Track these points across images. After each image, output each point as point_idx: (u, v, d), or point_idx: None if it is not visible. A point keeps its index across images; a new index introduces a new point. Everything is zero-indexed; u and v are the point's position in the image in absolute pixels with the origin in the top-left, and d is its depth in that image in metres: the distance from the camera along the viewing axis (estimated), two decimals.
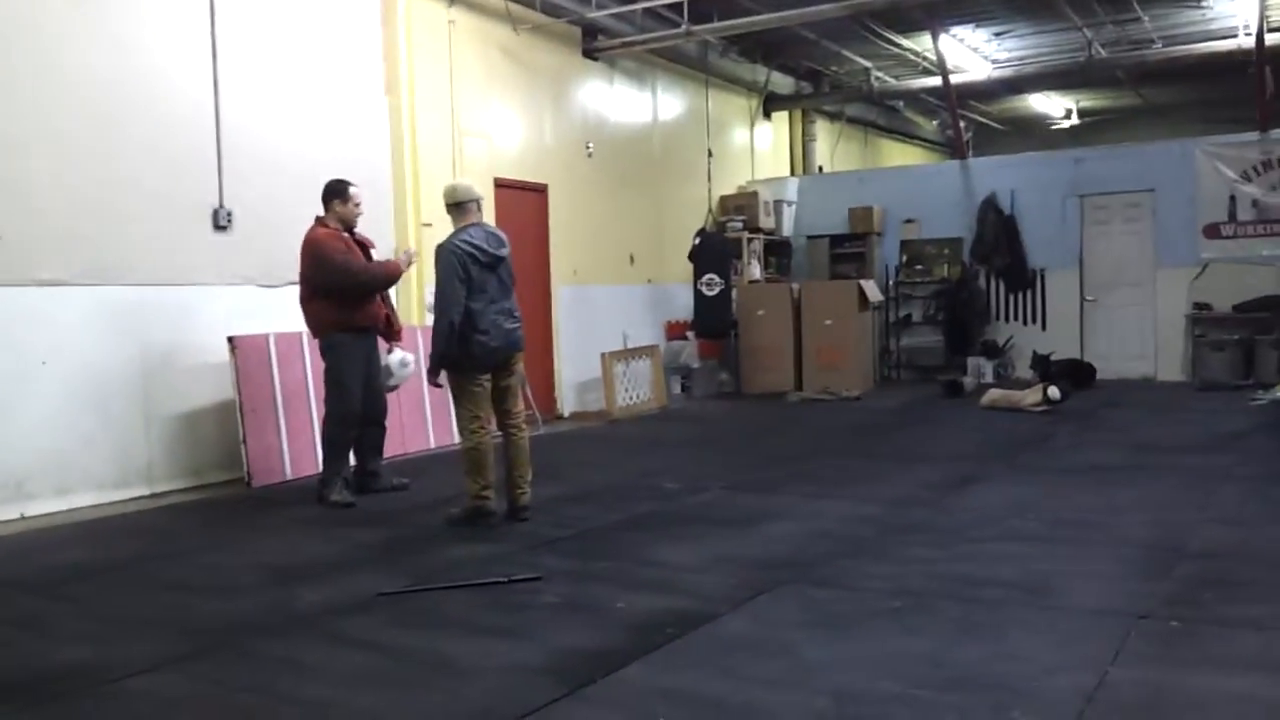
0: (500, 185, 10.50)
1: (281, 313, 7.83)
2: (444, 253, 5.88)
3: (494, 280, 5.96)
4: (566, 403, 11.32)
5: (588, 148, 11.79)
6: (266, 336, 7.68)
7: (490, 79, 10.46)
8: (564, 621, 4.16)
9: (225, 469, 7.61)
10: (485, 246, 5.94)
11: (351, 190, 6.89)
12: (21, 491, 6.56)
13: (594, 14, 11.11)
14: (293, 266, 6.99)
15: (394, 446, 8.51)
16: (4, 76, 6.59)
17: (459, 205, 6.08)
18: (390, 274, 6.98)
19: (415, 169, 9.44)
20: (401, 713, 3.31)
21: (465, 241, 5.91)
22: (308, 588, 4.74)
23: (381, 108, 9.28)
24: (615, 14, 11.40)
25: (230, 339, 7.45)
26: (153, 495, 7.17)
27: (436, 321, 5.90)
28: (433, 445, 8.90)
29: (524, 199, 10.89)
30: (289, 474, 7.61)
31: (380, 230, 9.25)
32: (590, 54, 11.82)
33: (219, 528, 6.21)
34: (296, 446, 7.72)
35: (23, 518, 6.47)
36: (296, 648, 3.95)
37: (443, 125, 9.84)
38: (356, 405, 6.80)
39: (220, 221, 7.82)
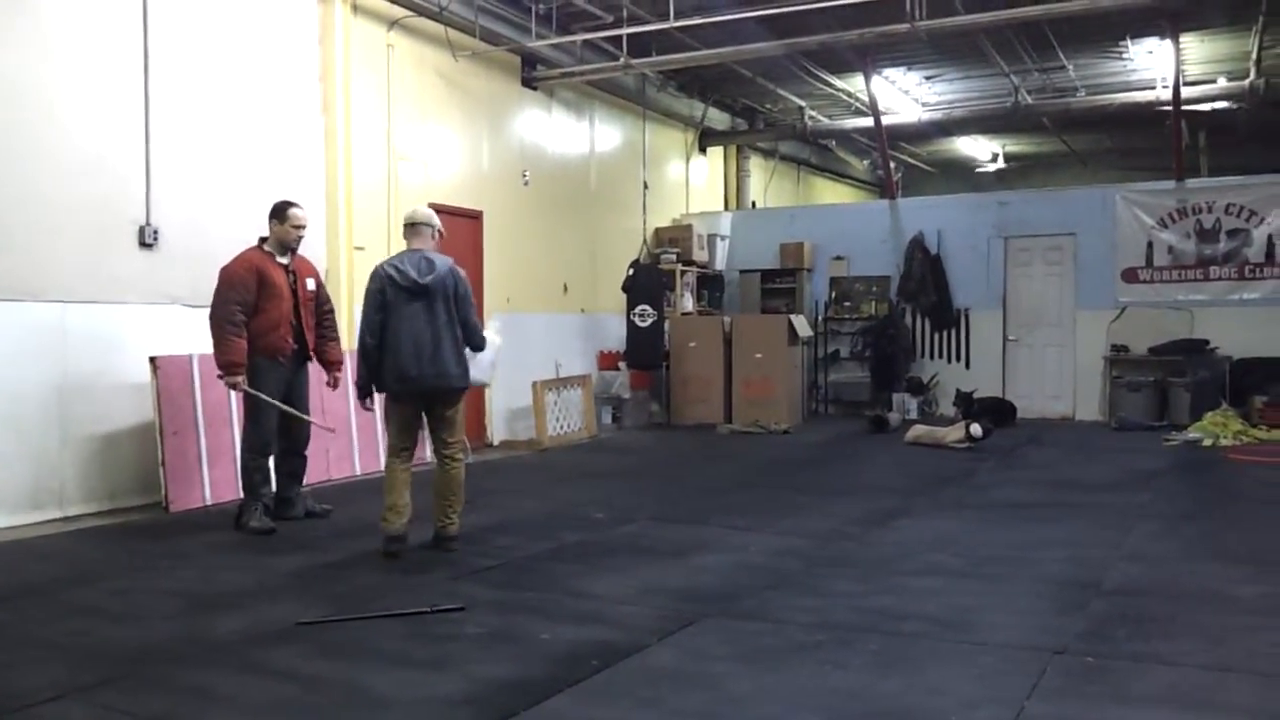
0: (436, 211, 10.41)
1: (208, 334, 7.67)
2: (371, 274, 5.94)
3: (421, 308, 5.81)
4: (496, 431, 11.25)
5: (524, 176, 11.79)
6: (190, 357, 7.52)
7: (428, 104, 10.43)
8: (487, 652, 4.12)
9: (142, 493, 7.41)
10: (409, 272, 5.83)
11: (291, 211, 6.78)
12: None
13: (533, 44, 11.16)
14: None
15: (319, 473, 8.39)
16: None
17: (410, 227, 6.10)
18: (218, 351, 6.58)
19: (349, 191, 9.37)
20: None
21: (391, 265, 5.90)
22: (225, 616, 4.63)
23: (317, 128, 9.20)
24: (554, 44, 11.46)
25: (152, 359, 7.29)
26: (66, 518, 6.95)
27: (358, 342, 5.95)
28: (358, 472, 8.77)
29: (459, 225, 10.83)
30: (209, 499, 7.44)
31: (313, 252, 9.15)
32: (529, 83, 11.85)
33: (134, 553, 6.04)
34: (218, 471, 7.56)
35: None
36: (210, 677, 3.85)
37: (378, 148, 9.78)
38: (267, 432, 6.70)
39: (146, 239, 7.66)
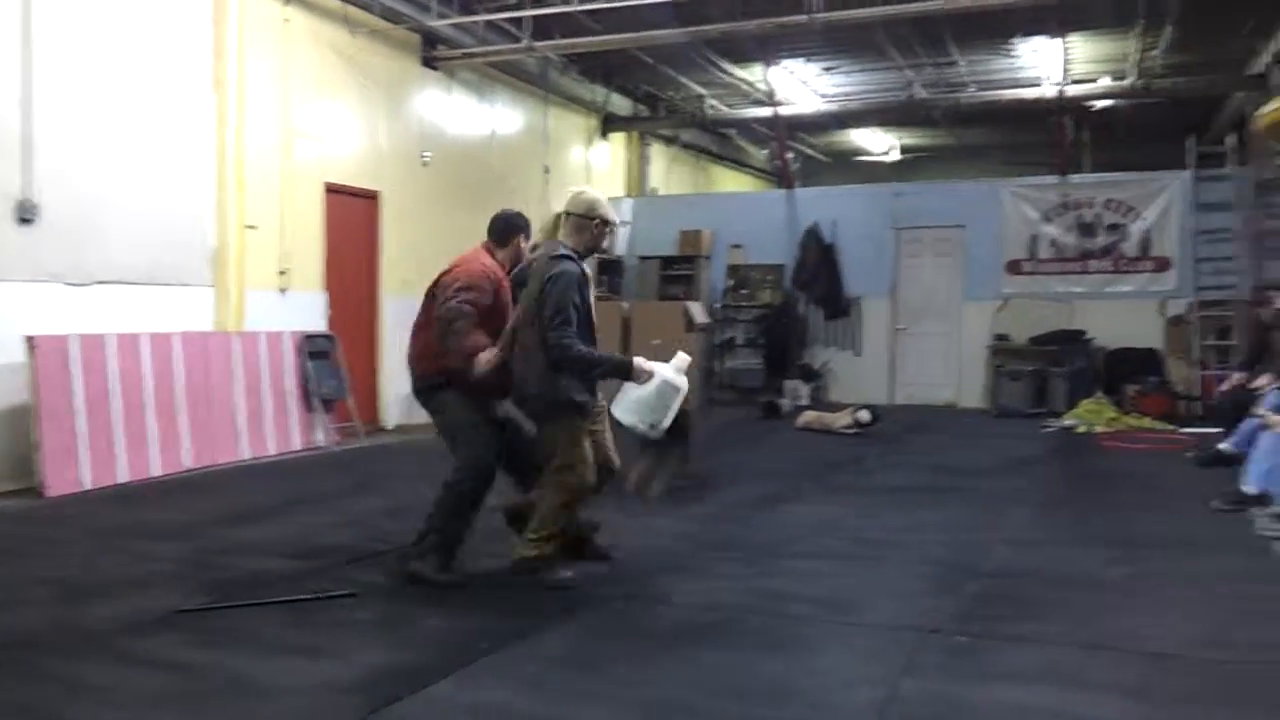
0: (331, 190, 10.26)
1: (90, 313, 7.44)
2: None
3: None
4: (390, 414, 11.12)
5: (423, 157, 11.65)
6: (67, 338, 7.27)
7: (324, 81, 10.22)
8: (376, 638, 4.10)
9: (16, 477, 7.14)
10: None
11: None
12: None
13: (434, 23, 11.01)
14: (108, 264, 6.62)
15: (204, 457, 8.20)
16: None
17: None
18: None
19: (240, 169, 9.14)
20: None
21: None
22: (100, 604, 4.51)
23: (208, 105, 8.95)
24: (456, 24, 11.33)
25: (29, 338, 7.03)
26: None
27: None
28: (246, 456, 8.60)
29: (354, 205, 10.67)
30: (88, 484, 7.21)
31: (202, 231, 8.93)
32: (430, 63, 11.70)
33: (6, 538, 5.83)
34: (96, 455, 7.33)
35: None
36: (82, 668, 3.75)
37: (272, 125, 9.56)
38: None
39: (25, 214, 7.37)
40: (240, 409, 8.63)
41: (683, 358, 4.97)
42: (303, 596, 4.59)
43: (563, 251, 4.79)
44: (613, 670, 3.76)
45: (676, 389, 4.87)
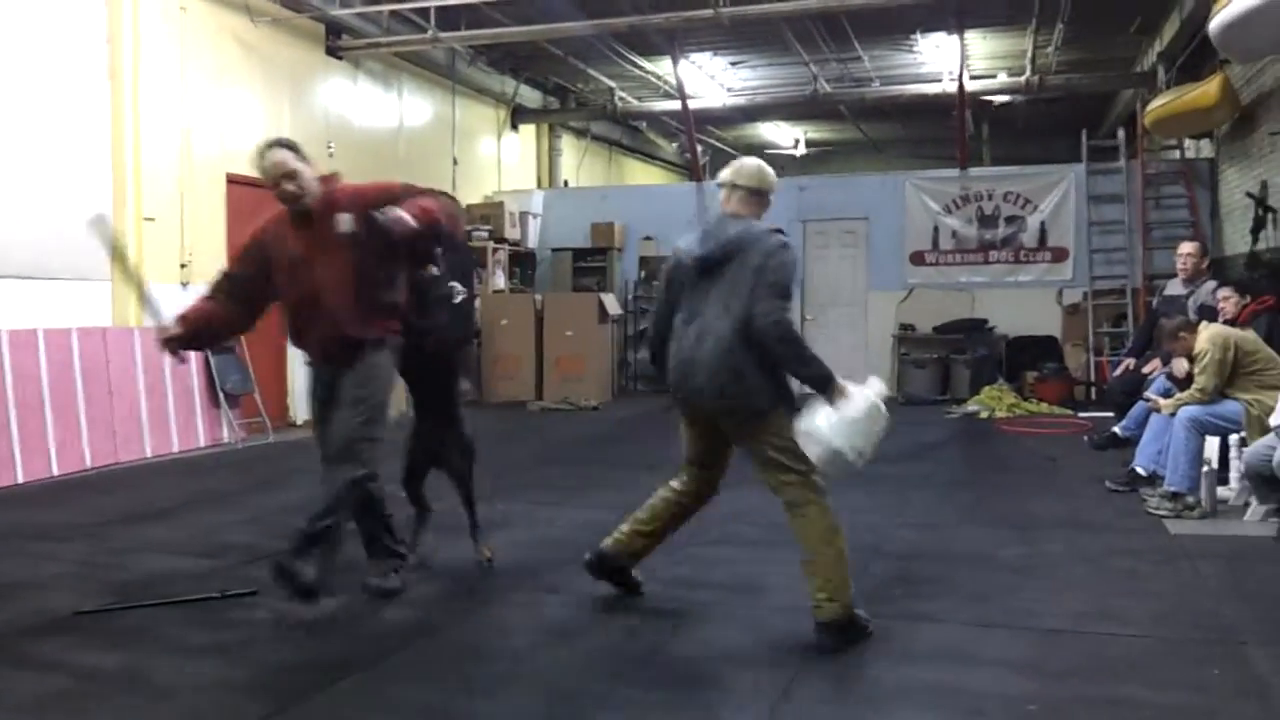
0: (233, 181, 10.04)
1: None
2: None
3: (703, 290, 4.11)
4: (300, 409, 10.93)
5: (329, 148, 11.46)
6: None
7: (225, 71, 9.99)
8: (280, 637, 4.04)
9: None
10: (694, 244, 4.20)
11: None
12: None
13: (337, 11, 10.85)
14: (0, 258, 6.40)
15: (105, 455, 7.98)
16: None
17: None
18: None
19: (137, 160, 8.91)
20: None
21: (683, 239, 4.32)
22: None
23: (103, 95, 8.69)
24: (360, 13, 11.17)
25: None
26: None
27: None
28: (149, 454, 8.39)
29: (261, 198, 10.26)
30: (20, 479, 6.99)
31: None
32: (334, 52, 11.52)
33: None
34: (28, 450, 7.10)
35: None
36: None
37: (171, 116, 9.32)
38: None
39: None
40: (142, 405, 8.42)
41: (879, 384, 4.30)
42: (204, 595, 4.51)
43: (770, 226, 4.19)
44: (524, 661, 3.77)
45: (884, 414, 4.20)
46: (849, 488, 7.05)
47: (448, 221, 4.45)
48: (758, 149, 20.44)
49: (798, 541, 4.07)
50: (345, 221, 4.27)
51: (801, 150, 20.24)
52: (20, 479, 7.27)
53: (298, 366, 10.84)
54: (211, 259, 9.78)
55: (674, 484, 4.40)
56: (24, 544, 5.59)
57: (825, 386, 4.05)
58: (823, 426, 3.98)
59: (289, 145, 4.48)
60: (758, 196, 4.25)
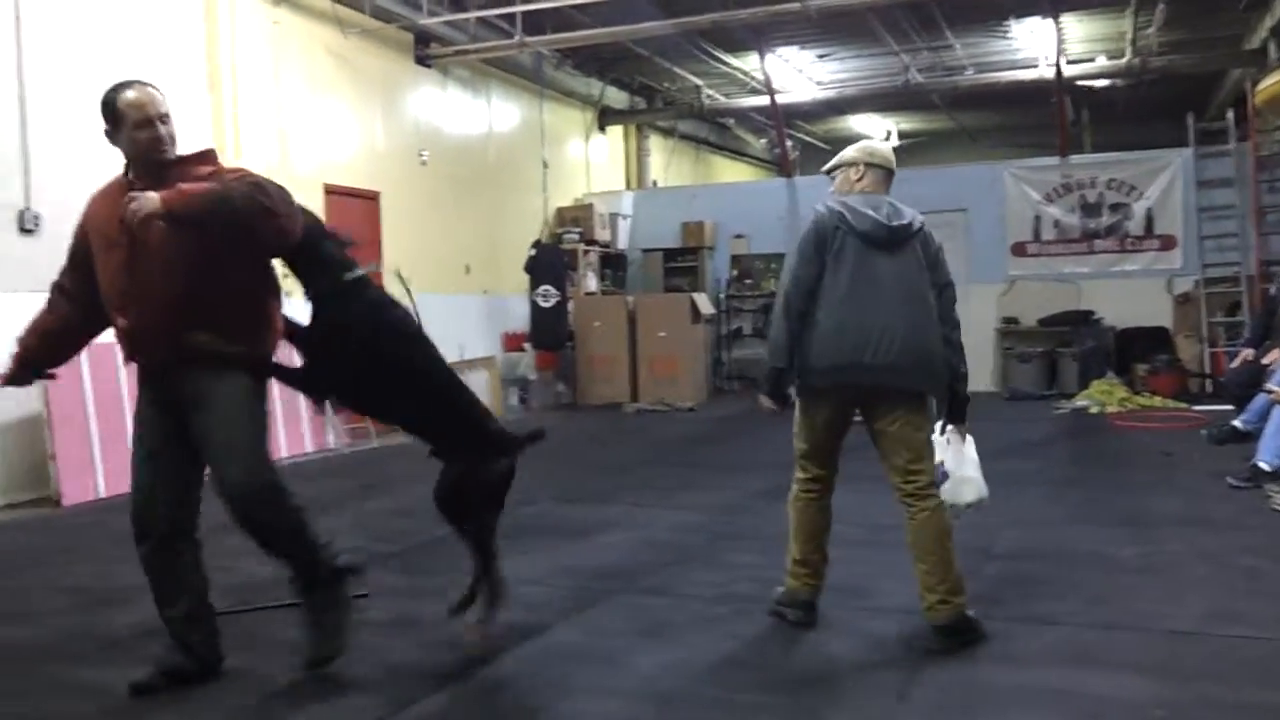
0: (330, 192, 10.25)
1: None
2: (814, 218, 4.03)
3: (885, 267, 3.94)
4: None
5: (421, 156, 11.64)
6: None
7: (317, 83, 10.21)
8: (390, 639, 4.09)
9: (32, 487, 7.16)
10: (871, 214, 3.96)
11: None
12: None
13: (425, 20, 11.00)
14: None
15: None
16: None
17: (867, 167, 4.20)
18: None
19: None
20: None
21: (840, 203, 4.01)
22: (121, 611, 4.51)
23: (204, 107, 8.94)
24: (447, 21, 11.31)
25: None
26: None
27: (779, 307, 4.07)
28: None
29: (355, 206, 10.67)
30: (103, 492, 7.22)
31: None
32: (423, 61, 11.69)
33: (25, 550, 5.84)
34: (111, 463, 7.33)
35: None
36: (105, 675, 3.74)
37: (268, 127, 9.55)
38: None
39: (26, 224, 7.37)
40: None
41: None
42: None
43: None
44: (629, 665, 3.74)
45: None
46: None
47: (214, 207, 3.29)
48: (849, 142, 20.13)
49: (913, 538, 3.92)
50: None
51: (893, 142, 19.89)
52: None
53: None
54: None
55: (809, 491, 4.15)
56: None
57: (967, 397, 4.05)
58: (963, 476, 4.04)
59: (154, 86, 3.65)
60: (889, 176, 4.17)
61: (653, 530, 5.92)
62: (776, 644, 3.93)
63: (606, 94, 15.52)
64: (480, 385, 11.64)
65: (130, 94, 3.53)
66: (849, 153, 4.20)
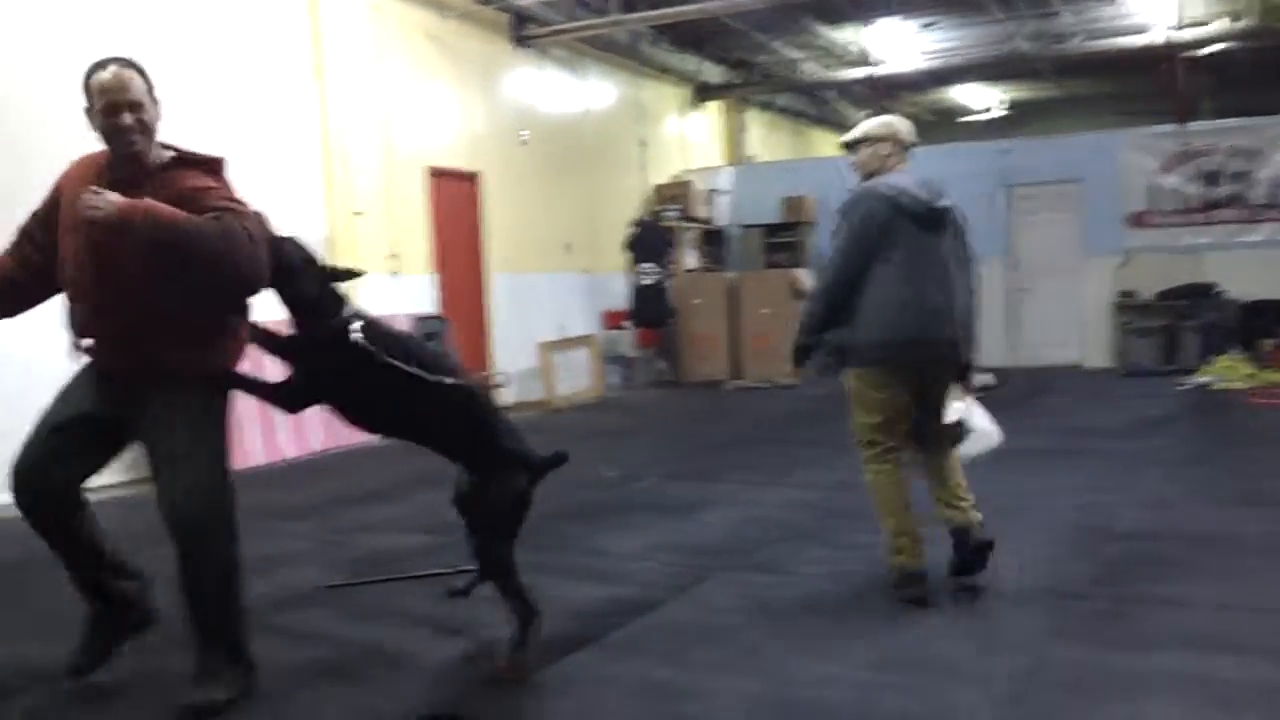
0: (433, 173, 10.40)
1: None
2: (856, 197, 4.20)
3: (934, 243, 4.14)
4: (505, 392, 11.25)
5: (521, 136, 11.72)
6: None
7: (418, 66, 10.34)
8: (492, 613, 4.13)
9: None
10: (917, 193, 4.15)
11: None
12: None
13: (522, 1, 11.04)
14: None
15: (330, 440, 8.39)
16: None
17: (893, 143, 4.33)
18: None
19: (345, 156, 9.33)
20: (344, 705, 3.28)
21: (886, 185, 4.16)
22: (251, 581, 4.63)
23: (311, 94, 9.13)
24: (544, 1, 11.35)
25: None
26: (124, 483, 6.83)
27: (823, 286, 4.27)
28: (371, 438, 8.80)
29: (457, 187, 10.80)
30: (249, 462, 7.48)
31: (314, 219, 9.14)
32: (520, 41, 11.74)
33: (158, 522, 6.03)
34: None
35: None
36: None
37: (371, 112, 9.71)
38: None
39: None
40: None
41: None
42: (436, 571, 4.67)
43: None
44: (742, 641, 3.73)
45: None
46: (1073, 466, 6.77)
47: (178, 239, 3.06)
48: (953, 113, 19.73)
49: (946, 470, 4.27)
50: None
51: (1000, 112, 19.39)
52: (256, 462, 7.75)
53: (500, 346, 11.18)
54: (417, 249, 10.20)
55: (887, 461, 4.19)
56: (267, 522, 5.92)
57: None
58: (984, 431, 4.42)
59: (139, 69, 3.29)
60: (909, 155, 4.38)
61: (760, 507, 5.89)
62: (892, 623, 3.88)
63: (703, 69, 15.41)
64: (581, 363, 11.73)
65: (103, 75, 3.19)
66: (877, 129, 4.32)
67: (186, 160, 3.35)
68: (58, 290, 3.37)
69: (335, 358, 3.35)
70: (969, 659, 3.48)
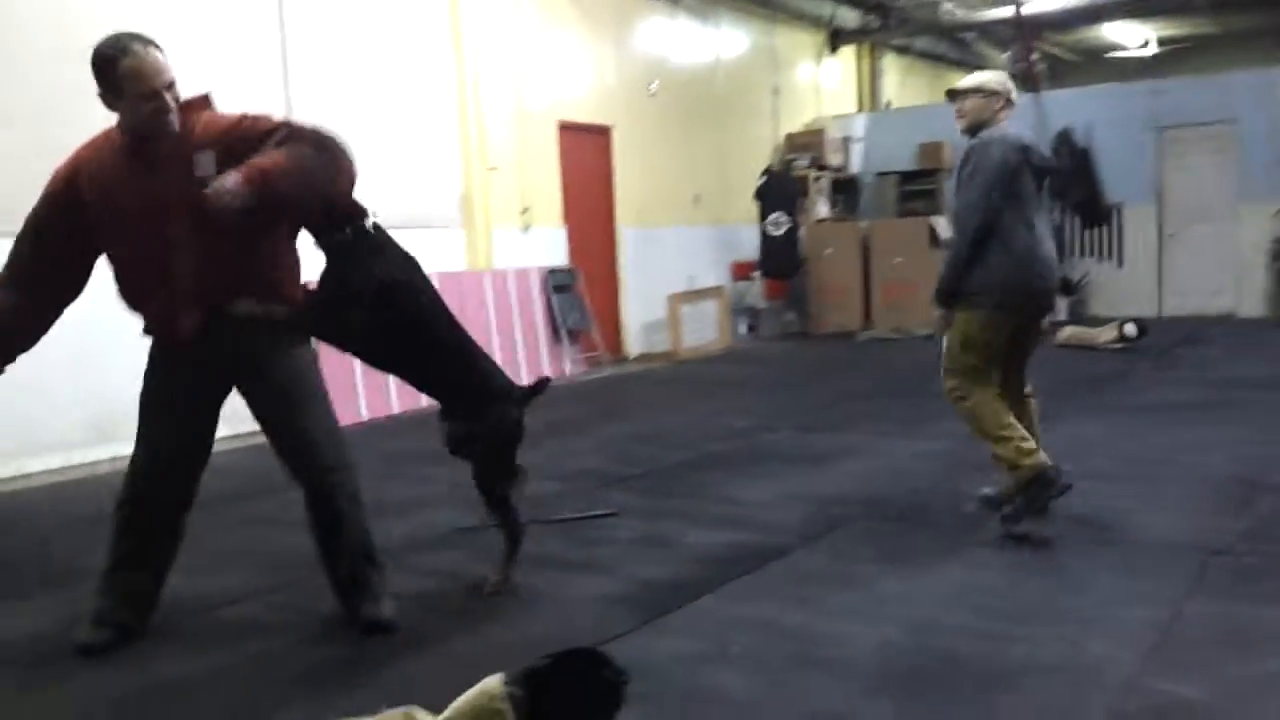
0: (564, 128, 10.50)
1: None
2: (985, 143, 4.29)
3: (1041, 198, 4.47)
4: (633, 344, 11.39)
5: (650, 88, 11.71)
6: None
7: (551, 18, 10.42)
8: (639, 555, 4.25)
9: None
10: (1036, 148, 4.40)
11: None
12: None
13: None
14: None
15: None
16: None
17: (996, 96, 4.39)
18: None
19: (479, 112, 9.50)
20: (489, 641, 3.42)
21: (1014, 136, 4.33)
22: (391, 523, 4.86)
23: (448, 53, 9.31)
24: None
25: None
26: (237, 435, 7.30)
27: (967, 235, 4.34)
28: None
29: (588, 141, 10.89)
30: (365, 416, 7.80)
31: (451, 174, 9.36)
32: None
33: None
34: (371, 389, 7.89)
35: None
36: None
37: (505, 67, 9.84)
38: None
39: None
40: (494, 344, 9.06)
41: None
42: (568, 516, 4.81)
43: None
44: (875, 588, 3.74)
45: None
46: (1223, 418, 6.50)
47: (296, 182, 3.17)
48: (1101, 52, 18.83)
49: (1031, 415, 4.51)
50: (206, 162, 3.18)
51: (1151, 50, 18.41)
52: (395, 410, 8.05)
53: (631, 303, 11.30)
54: (548, 203, 10.34)
55: (1000, 396, 4.43)
56: (406, 467, 6.20)
57: None
58: None
59: (156, 43, 3.24)
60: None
61: (893, 458, 5.86)
62: (1025, 574, 3.83)
63: (838, 14, 15.07)
64: (709, 315, 11.75)
65: (134, 61, 3.14)
66: (992, 81, 4.42)
67: (187, 106, 3.31)
68: (50, 321, 3.42)
69: (360, 260, 3.49)
70: (1106, 611, 3.42)
